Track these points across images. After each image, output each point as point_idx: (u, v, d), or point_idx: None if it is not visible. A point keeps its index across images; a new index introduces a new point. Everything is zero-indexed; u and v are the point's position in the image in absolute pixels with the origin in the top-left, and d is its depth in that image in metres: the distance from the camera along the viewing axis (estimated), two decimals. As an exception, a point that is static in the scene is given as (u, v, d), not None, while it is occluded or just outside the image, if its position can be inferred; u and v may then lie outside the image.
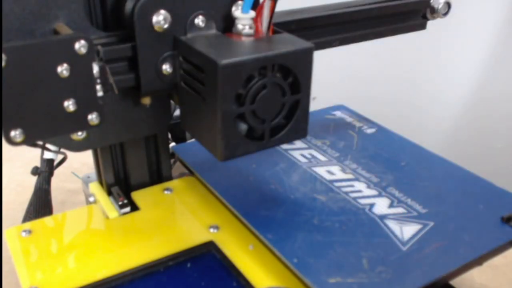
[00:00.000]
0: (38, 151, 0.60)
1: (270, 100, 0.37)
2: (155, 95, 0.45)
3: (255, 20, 0.39)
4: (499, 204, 0.47)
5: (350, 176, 0.53)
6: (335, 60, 0.88)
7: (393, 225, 0.45)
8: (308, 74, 0.38)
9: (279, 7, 0.40)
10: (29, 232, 0.46)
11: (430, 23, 0.59)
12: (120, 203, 0.49)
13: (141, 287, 0.40)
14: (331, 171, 0.53)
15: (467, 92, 1.13)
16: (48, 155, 0.61)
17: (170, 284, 0.40)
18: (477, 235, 0.43)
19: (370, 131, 0.63)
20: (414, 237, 0.43)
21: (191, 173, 0.55)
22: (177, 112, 0.54)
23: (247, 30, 0.39)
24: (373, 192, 0.50)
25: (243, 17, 0.39)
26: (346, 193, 0.50)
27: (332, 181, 0.52)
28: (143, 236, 0.45)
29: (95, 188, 0.52)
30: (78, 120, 0.36)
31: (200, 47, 0.37)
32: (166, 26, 0.39)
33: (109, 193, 0.51)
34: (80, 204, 0.69)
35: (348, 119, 0.66)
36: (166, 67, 0.40)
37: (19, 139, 0.34)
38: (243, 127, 0.38)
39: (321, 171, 0.53)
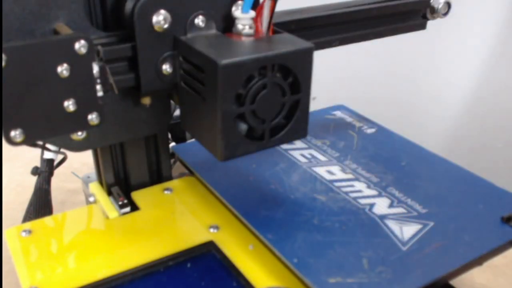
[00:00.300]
0: (38, 151, 0.60)
1: (270, 100, 0.37)
2: (155, 95, 0.45)
3: (255, 20, 0.39)
4: (499, 204, 0.47)
5: (350, 176, 0.53)
6: (335, 60, 0.88)
7: (393, 225, 0.45)
8: (308, 74, 0.38)
9: (279, 7, 0.40)
10: (29, 232, 0.46)
11: (430, 23, 0.59)
12: (120, 203, 0.49)
13: (141, 287, 0.40)
14: (331, 171, 0.53)
15: (467, 92, 1.13)
16: (48, 155, 0.61)
17: (170, 284, 0.40)
18: (477, 235, 0.43)
19: (370, 131, 0.63)
20: (414, 237, 0.43)
21: (191, 173, 0.55)
22: (177, 112, 0.54)
23: (247, 30, 0.39)
24: (373, 192, 0.50)
25: (243, 17, 0.39)
26: (346, 193, 0.50)
27: (332, 181, 0.52)
28: (143, 236, 0.45)
29: (95, 188, 0.52)
30: (78, 120, 0.36)
31: (200, 47, 0.37)
32: (166, 26, 0.39)
33: (109, 193, 0.51)
34: (80, 204, 0.69)
35: (348, 119, 0.66)
36: (166, 67, 0.40)
37: (19, 139, 0.34)
38: (243, 127, 0.38)
39: (321, 171, 0.53)
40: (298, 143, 0.59)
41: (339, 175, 0.53)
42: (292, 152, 0.57)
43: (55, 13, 0.37)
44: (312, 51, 0.38)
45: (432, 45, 1.07)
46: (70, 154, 0.52)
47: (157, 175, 0.53)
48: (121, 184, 0.52)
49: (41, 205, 0.56)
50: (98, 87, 0.36)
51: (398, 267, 0.39)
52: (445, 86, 1.15)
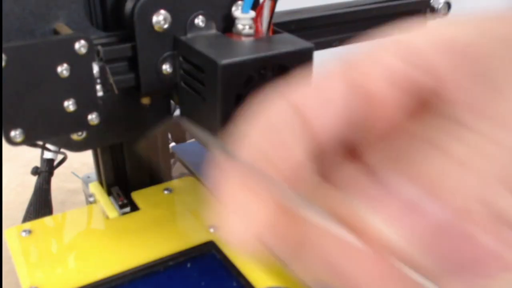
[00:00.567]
0: (38, 151, 0.60)
1: (270, 100, 0.37)
2: (155, 95, 0.45)
3: (255, 20, 0.39)
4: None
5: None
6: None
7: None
8: (308, 74, 0.38)
9: (279, 7, 0.40)
10: (29, 232, 0.46)
11: (430, 23, 0.59)
12: (120, 203, 0.49)
13: (141, 287, 0.40)
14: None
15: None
16: (48, 155, 0.61)
17: (170, 284, 0.40)
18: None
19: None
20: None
21: (191, 173, 0.55)
22: (177, 112, 0.54)
23: (247, 30, 0.39)
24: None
25: (243, 17, 0.39)
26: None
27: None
28: (143, 236, 0.45)
29: (95, 188, 0.52)
30: (78, 120, 0.36)
31: (200, 47, 0.37)
32: (166, 26, 0.39)
33: (109, 193, 0.51)
34: (80, 204, 0.69)
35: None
36: (166, 67, 0.40)
37: (19, 139, 0.34)
38: (243, 127, 0.38)
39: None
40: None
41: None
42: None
43: (55, 13, 0.37)
44: (312, 51, 0.37)
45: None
46: (70, 154, 0.52)
47: (157, 175, 0.53)
48: (121, 184, 0.52)
49: (41, 205, 0.56)
50: (98, 87, 0.36)
51: (398, 267, 0.39)
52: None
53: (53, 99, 0.34)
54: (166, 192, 0.51)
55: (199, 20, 0.40)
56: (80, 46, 0.33)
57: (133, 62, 0.40)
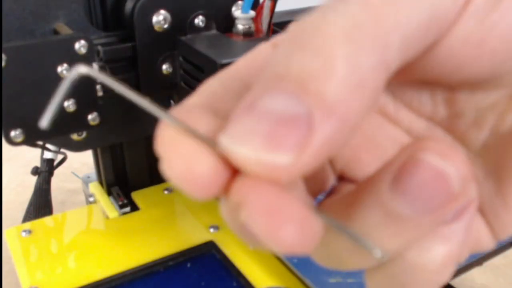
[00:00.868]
0: (38, 151, 0.60)
1: (270, 100, 0.37)
2: (155, 95, 0.45)
3: (255, 20, 0.39)
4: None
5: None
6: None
7: (393, 225, 0.45)
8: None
9: (279, 7, 0.40)
10: (29, 232, 0.46)
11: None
12: (120, 203, 0.49)
13: (141, 287, 0.40)
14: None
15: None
16: (48, 155, 0.61)
17: (170, 284, 0.40)
18: (477, 235, 0.43)
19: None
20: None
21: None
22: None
23: (247, 30, 0.39)
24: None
25: (243, 17, 0.39)
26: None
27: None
28: (143, 236, 0.45)
29: (95, 188, 0.52)
30: (78, 120, 0.36)
31: (200, 47, 0.37)
32: (166, 26, 0.39)
33: (109, 193, 0.51)
34: (80, 204, 0.69)
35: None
36: (166, 67, 0.40)
37: (19, 139, 0.34)
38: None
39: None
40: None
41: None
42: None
43: (55, 13, 0.37)
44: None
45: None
46: (70, 154, 0.52)
47: (157, 175, 0.53)
48: (121, 184, 0.52)
49: (41, 205, 0.56)
50: (98, 87, 0.36)
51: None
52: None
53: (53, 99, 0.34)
54: (166, 192, 0.51)
55: (199, 20, 0.40)
56: (80, 46, 0.33)
57: (133, 62, 0.40)
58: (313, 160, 0.10)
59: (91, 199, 0.52)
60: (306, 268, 0.39)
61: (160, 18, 0.38)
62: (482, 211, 0.14)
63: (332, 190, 0.17)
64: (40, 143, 0.46)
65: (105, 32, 0.40)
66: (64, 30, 0.37)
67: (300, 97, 0.10)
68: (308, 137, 0.10)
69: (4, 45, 0.31)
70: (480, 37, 0.12)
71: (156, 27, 0.38)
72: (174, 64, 0.40)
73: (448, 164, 0.11)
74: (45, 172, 0.60)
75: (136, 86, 0.41)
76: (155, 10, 0.38)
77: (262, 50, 0.16)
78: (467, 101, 0.14)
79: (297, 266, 0.39)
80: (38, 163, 0.62)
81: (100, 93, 0.36)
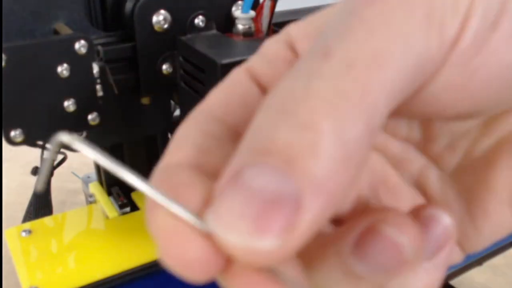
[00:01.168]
0: (38, 151, 0.60)
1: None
2: (155, 95, 0.45)
3: (255, 20, 0.39)
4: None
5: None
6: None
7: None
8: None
9: (279, 7, 0.40)
10: (29, 232, 0.46)
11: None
12: (120, 203, 0.49)
13: (141, 287, 0.40)
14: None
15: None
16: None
17: (170, 284, 0.40)
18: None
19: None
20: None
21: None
22: (177, 112, 0.54)
23: (247, 30, 0.39)
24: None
25: (243, 17, 0.39)
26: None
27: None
28: (143, 236, 0.45)
29: (95, 188, 0.52)
30: (78, 120, 0.36)
31: (200, 47, 0.37)
32: (166, 26, 0.39)
33: (109, 193, 0.51)
34: (80, 204, 0.69)
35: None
36: (166, 67, 0.40)
37: (19, 139, 0.34)
38: (243, 127, 0.38)
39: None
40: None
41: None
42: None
43: (55, 13, 0.38)
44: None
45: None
46: (70, 154, 0.52)
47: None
48: (121, 184, 0.52)
49: (41, 205, 0.56)
50: (98, 87, 0.36)
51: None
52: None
53: (53, 99, 0.34)
54: (166, 192, 0.51)
55: (199, 20, 0.40)
56: (80, 46, 0.33)
57: (133, 62, 0.40)
58: (301, 241, 0.10)
59: (91, 199, 0.52)
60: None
61: (160, 18, 0.38)
62: None
63: None
64: (40, 143, 0.46)
65: (105, 32, 0.40)
66: (64, 30, 0.37)
67: (287, 174, 0.10)
68: (297, 219, 0.10)
69: (4, 45, 0.31)
70: (462, 83, 0.12)
71: (156, 27, 0.38)
72: (174, 64, 0.40)
73: (403, 236, 0.12)
74: (45, 172, 0.60)
75: (136, 86, 0.41)
76: (155, 10, 0.38)
77: (238, 80, 0.15)
78: (442, 128, 0.15)
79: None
80: (38, 163, 0.62)
81: (100, 93, 0.36)
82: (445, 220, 0.14)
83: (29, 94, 0.33)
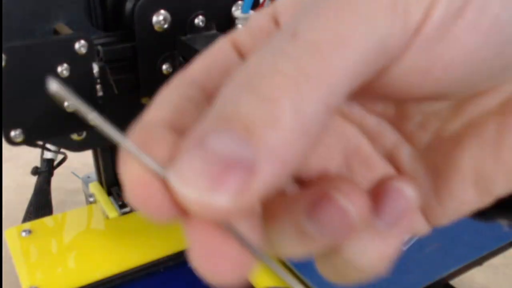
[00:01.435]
0: (38, 151, 0.60)
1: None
2: (155, 95, 0.45)
3: (255, 20, 0.39)
4: (499, 204, 0.47)
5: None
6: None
7: (393, 225, 0.45)
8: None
9: (279, 7, 0.40)
10: (29, 232, 0.46)
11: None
12: (120, 203, 0.49)
13: (141, 287, 0.40)
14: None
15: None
16: (48, 155, 0.61)
17: (170, 284, 0.40)
18: (477, 235, 0.43)
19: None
20: (414, 237, 0.43)
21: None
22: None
23: (247, 30, 0.39)
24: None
25: (243, 17, 0.39)
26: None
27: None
28: (143, 236, 0.45)
29: (95, 188, 0.52)
30: (78, 120, 0.36)
31: (200, 47, 0.37)
32: (166, 26, 0.39)
33: (109, 193, 0.51)
34: (80, 204, 0.69)
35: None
36: (166, 67, 0.40)
37: (19, 139, 0.34)
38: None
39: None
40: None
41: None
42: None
43: (55, 13, 0.37)
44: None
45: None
46: (70, 154, 0.52)
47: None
48: (121, 184, 0.52)
49: (41, 205, 0.56)
50: (98, 87, 0.36)
51: (398, 267, 0.39)
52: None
53: (53, 99, 0.34)
54: (166, 192, 0.51)
55: (199, 20, 0.40)
56: (80, 46, 0.33)
57: (133, 62, 0.40)
58: (251, 201, 0.11)
59: (91, 199, 0.52)
60: (306, 268, 0.39)
61: (160, 18, 0.38)
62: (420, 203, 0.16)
63: None
64: (40, 143, 0.46)
65: (105, 32, 0.40)
66: (64, 30, 0.37)
67: (246, 141, 0.11)
68: (249, 181, 0.11)
69: (4, 45, 0.31)
70: (425, 67, 0.13)
71: (156, 27, 0.38)
72: (174, 64, 0.40)
73: (351, 204, 0.13)
74: (45, 172, 0.60)
75: (136, 86, 0.41)
76: (155, 10, 0.38)
77: (221, 49, 0.16)
78: (414, 107, 0.16)
79: (297, 266, 0.39)
80: (38, 163, 0.62)
81: (100, 93, 0.36)
82: (407, 193, 0.14)
83: (29, 94, 0.33)
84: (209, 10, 0.40)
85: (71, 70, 0.34)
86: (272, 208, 0.14)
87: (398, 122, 0.17)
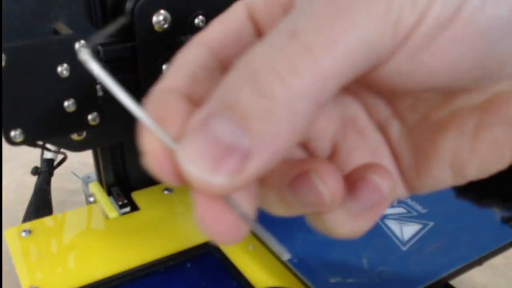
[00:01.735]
0: (38, 151, 0.60)
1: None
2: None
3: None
4: (499, 204, 0.47)
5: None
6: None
7: (393, 225, 0.45)
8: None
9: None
10: (29, 232, 0.46)
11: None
12: (120, 203, 0.49)
13: (141, 287, 0.40)
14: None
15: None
16: (48, 155, 0.61)
17: (170, 284, 0.40)
18: (477, 235, 0.43)
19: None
20: (414, 237, 0.43)
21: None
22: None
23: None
24: (373, 192, 0.50)
25: (243, 17, 0.39)
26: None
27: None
28: (143, 236, 0.45)
29: (95, 188, 0.52)
30: (78, 120, 0.36)
31: (200, 47, 0.37)
32: (166, 26, 0.39)
33: (109, 193, 0.51)
34: (80, 204, 0.69)
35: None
36: (166, 67, 0.40)
37: (19, 139, 0.34)
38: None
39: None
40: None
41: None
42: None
43: (55, 13, 0.37)
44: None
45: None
46: (70, 154, 0.52)
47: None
48: (121, 184, 0.52)
49: (41, 205, 0.56)
50: (98, 87, 0.36)
51: (398, 267, 0.39)
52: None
53: (53, 99, 0.34)
54: (166, 192, 0.51)
55: (199, 20, 0.40)
56: (80, 46, 0.33)
57: (133, 62, 0.40)
58: (244, 182, 0.13)
59: (91, 199, 0.52)
60: (306, 268, 0.39)
61: (160, 18, 0.38)
62: (402, 173, 0.18)
63: None
64: (40, 143, 0.46)
65: (105, 32, 0.40)
66: (64, 30, 0.37)
67: (243, 130, 0.13)
68: (243, 166, 0.13)
69: (4, 45, 0.31)
70: (409, 70, 0.14)
71: (156, 27, 0.38)
72: (174, 64, 0.40)
73: (324, 185, 0.15)
74: (45, 172, 0.60)
75: (136, 86, 0.41)
76: (155, 10, 0.38)
77: (236, 16, 0.18)
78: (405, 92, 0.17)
79: (297, 266, 0.39)
80: (38, 163, 0.62)
81: (100, 93, 0.36)
82: (383, 188, 0.16)
83: (29, 94, 0.33)
84: (209, 10, 0.40)
85: (71, 70, 0.34)
86: (268, 175, 0.17)
87: (391, 101, 0.18)
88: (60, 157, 0.61)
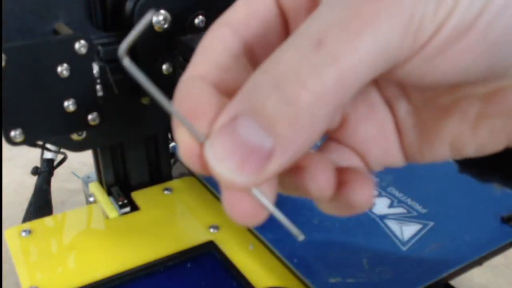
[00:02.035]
0: (38, 151, 0.60)
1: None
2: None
3: (255, 20, 0.39)
4: (499, 204, 0.47)
5: (350, 176, 0.53)
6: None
7: (393, 225, 0.45)
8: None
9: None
10: (29, 232, 0.46)
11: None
12: (120, 203, 0.49)
13: (141, 287, 0.40)
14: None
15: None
16: (48, 155, 0.61)
17: (170, 284, 0.40)
18: (477, 235, 0.43)
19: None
20: (414, 237, 0.43)
21: (191, 173, 0.55)
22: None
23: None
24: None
25: (243, 17, 0.39)
26: (346, 193, 0.49)
27: (332, 181, 0.51)
28: (143, 236, 0.45)
29: (95, 188, 0.52)
30: (78, 120, 0.36)
31: (200, 47, 0.37)
32: (166, 26, 0.39)
33: (109, 193, 0.51)
34: (80, 204, 0.69)
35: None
36: (166, 67, 0.40)
37: (19, 139, 0.34)
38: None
39: (321, 171, 0.53)
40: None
41: (339, 175, 0.53)
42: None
43: (55, 13, 0.38)
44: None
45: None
46: (70, 154, 0.52)
47: (157, 175, 0.53)
48: (121, 184, 0.52)
49: (41, 205, 0.56)
50: (98, 87, 0.36)
51: (398, 267, 0.39)
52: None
53: (53, 99, 0.34)
54: (166, 192, 0.51)
55: (199, 20, 0.40)
56: (80, 46, 0.33)
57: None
58: (264, 180, 0.15)
59: (91, 199, 0.52)
60: (306, 268, 0.39)
61: (160, 18, 0.38)
62: (403, 147, 0.20)
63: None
64: (40, 143, 0.46)
65: (105, 32, 0.40)
66: (64, 30, 0.37)
67: (268, 133, 0.14)
68: (266, 166, 0.14)
69: (4, 45, 0.31)
70: (422, 73, 0.15)
71: (156, 27, 0.38)
72: (174, 64, 0.40)
73: (313, 182, 0.17)
74: (45, 172, 0.60)
75: (136, 86, 0.41)
76: (155, 10, 0.38)
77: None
78: None
79: (297, 266, 0.39)
80: (38, 163, 0.62)
81: (100, 93, 0.36)
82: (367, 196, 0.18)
83: (29, 94, 0.33)
84: (209, 10, 0.40)
85: (71, 70, 0.34)
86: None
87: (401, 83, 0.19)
88: (60, 157, 0.61)
